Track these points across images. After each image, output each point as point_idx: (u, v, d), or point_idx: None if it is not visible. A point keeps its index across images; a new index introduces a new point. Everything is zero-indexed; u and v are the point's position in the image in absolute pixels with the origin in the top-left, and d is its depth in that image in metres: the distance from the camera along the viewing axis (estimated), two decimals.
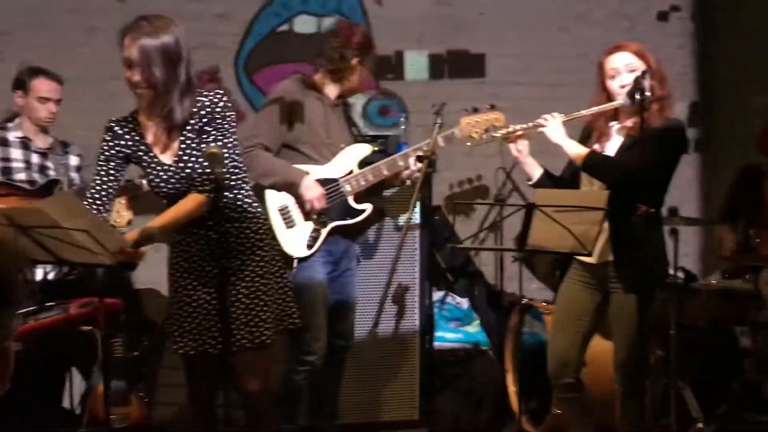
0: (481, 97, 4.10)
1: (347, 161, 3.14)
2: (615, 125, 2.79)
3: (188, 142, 2.40)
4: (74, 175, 3.56)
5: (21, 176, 3.40)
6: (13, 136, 3.44)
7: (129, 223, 3.42)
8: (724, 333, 3.45)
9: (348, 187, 3.10)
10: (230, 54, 4.20)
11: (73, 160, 3.58)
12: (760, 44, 4.20)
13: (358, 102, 4.16)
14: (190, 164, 2.39)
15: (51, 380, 3.25)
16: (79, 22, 4.08)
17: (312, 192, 3.02)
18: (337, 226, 3.10)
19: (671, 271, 3.12)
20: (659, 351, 3.15)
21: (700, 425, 3.11)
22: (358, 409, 3.51)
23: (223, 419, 2.61)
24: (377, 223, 3.49)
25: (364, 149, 3.18)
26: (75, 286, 3.46)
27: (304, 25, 4.20)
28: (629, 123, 2.74)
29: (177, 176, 2.41)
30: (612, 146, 2.78)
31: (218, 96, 2.40)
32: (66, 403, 3.42)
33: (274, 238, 2.59)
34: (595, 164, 2.70)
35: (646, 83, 2.46)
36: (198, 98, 2.38)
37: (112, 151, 2.43)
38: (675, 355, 3.02)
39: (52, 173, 3.48)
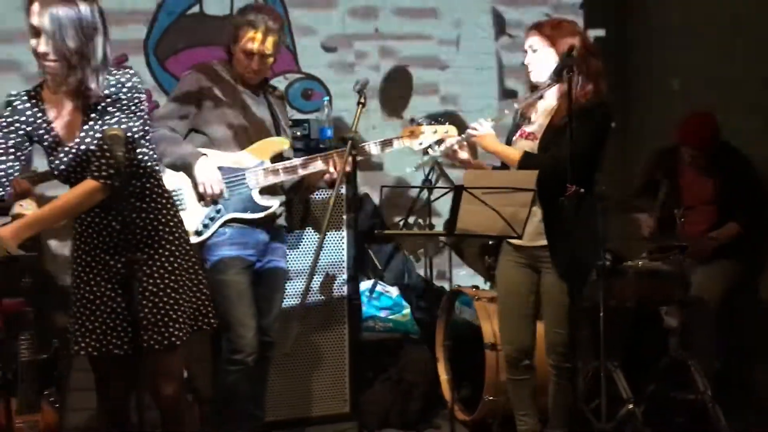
0: None
1: (259, 153, 2.99)
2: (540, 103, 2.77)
3: (91, 123, 2.21)
4: None
5: None
6: None
7: None
8: (650, 313, 3.49)
9: (253, 180, 2.96)
10: (139, 38, 3.96)
11: None
12: (676, 24, 4.27)
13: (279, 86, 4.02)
14: (92, 147, 2.20)
15: None
16: None
17: (205, 175, 2.87)
18: (243, 220, 2.96)
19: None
20: (587, 332, 3.16)
21: (630, 406, 3.13)
22: (288, 404, 3.43)
23: (137, 423, 2.45)
24: (304, 222, 3.38)
25: (281, 143, 3.04)
26: None
27: (216, 6, 4.00)
28: (554, 102, 2.72)
29: (78, 159, 2.22)
30: (536, 124, 2.76)
31: (127, 76, 2.22)
32: None
33: (186, 231, 2.43)
34: (529, 165, 2.63)
35: (573, 60, 2.41)
36: (106, 77, 2.20)
37: (11, 127, 2.22)
38: (604, 336, 3.02)
39: None
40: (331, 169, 2.95)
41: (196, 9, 4.01)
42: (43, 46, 2.12)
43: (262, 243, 3.05)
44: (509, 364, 2.90)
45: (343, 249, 3.52)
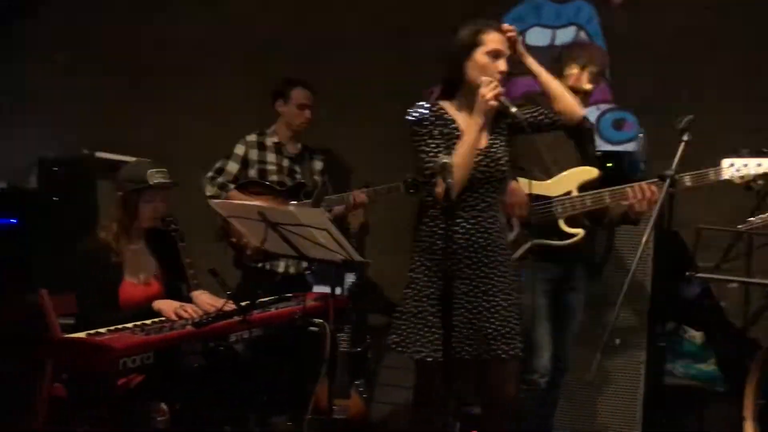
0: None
1: (567, 182, 3.05)
2: None
3: (496, 134, 2.62)
4: (317, 178, 3.86)
5: (273, 178, 3.76)
6: (269, 141, 3.82)
7: (361, 226, 3.67)
8: None
9: (560, 209, 3.01)
10: None
11: (317, 165, 3.89)
12: None
13: (590, 115, 4.03)
14: (498, 154, 2.61)
15: (282, 366, 3.54)
16: (325, 36, 4.39)
17: (514, 197, 2.99)
18: (547, 246, 3.03)
19: None
20: None
21: None
22: None
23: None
24: (606, 254, 3.36)
25: (589, 173, 3.06)
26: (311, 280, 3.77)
27: (538, 37, 4.15)
28: None
29: (485, 161, 2.58)
30: None
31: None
32: (294, 388, 3.70)
33: None
34: None
35: None
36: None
37: (438, 137, 2.58)
38: None
39: (298, 176, 3.80)
40: (638, 200, 2.91)
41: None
42: (504, 66, 2.56)
43: (564, 270, 3.10)
44: None
45: (646, 286, 3.42)
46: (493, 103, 2.50)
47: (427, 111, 2.59)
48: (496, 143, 2.61)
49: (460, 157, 2.49)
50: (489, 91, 2.48)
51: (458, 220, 2.52)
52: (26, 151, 4.05)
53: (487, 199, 2.57)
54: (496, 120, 2.63)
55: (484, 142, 2.59)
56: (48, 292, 2.85)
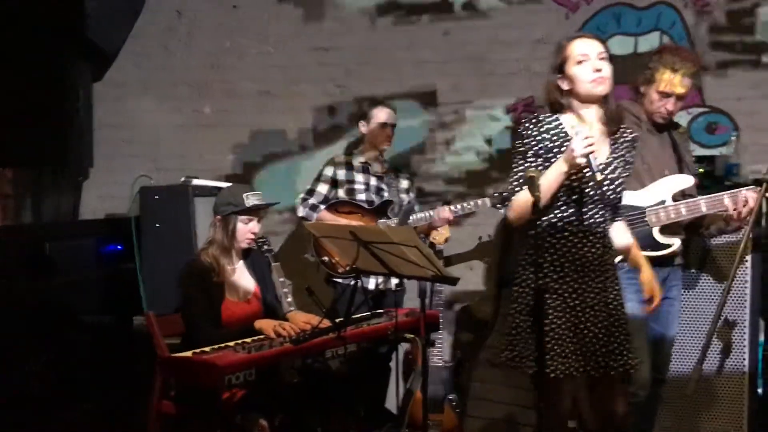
0: None
1: (660, 191, 2.97)
2: None
3: (616, 153, 2.51)
4: (404, 196, 3.93)
5: (361, 197, 3.86)
6: (356, 161, 3.92)
7: (446, 240, 3.71)
8: None
9: (653, 218, 2.94)
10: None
11: (404, 183, 3.97)
12: None
13: (682, 120, 3.94)
14: (610, 176, 2.47)
15: (376, 380, 3.61)
16: (409, 58, 4.47)
17: None
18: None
19: None
20: None
21: None
22: None
23: None
24: (702, 263, 3.26)
25: (683, 180, 2.98)
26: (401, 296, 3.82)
27: (620, 46, 4.05)
28: None
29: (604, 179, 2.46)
30: None
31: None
32: (388, 403, 3.76)
33: None
34: None
35: None
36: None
37: (538, 146, 2.48)
38: None
39: (385, 194, 3.89)
40: (741, 209, 2.81)
41: None
42: (597, 64, 2.50)
43: (659, 280, 3.03)
44: None
45: (745, 293, 3.30)
46: (582, 160, 2.33)
47: (532, 126, 2.49)
48: (612, 164, 2.48)
49: (543, 188, 2.37)
50: (580, 147, 2.33)
51: (565, 233, 2.44)
52: (128, 181, 4.28)
53: (595, 217, 2.45)
54: (617, 141, 2.51)
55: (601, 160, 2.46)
56: (154, 314, 3.01)
